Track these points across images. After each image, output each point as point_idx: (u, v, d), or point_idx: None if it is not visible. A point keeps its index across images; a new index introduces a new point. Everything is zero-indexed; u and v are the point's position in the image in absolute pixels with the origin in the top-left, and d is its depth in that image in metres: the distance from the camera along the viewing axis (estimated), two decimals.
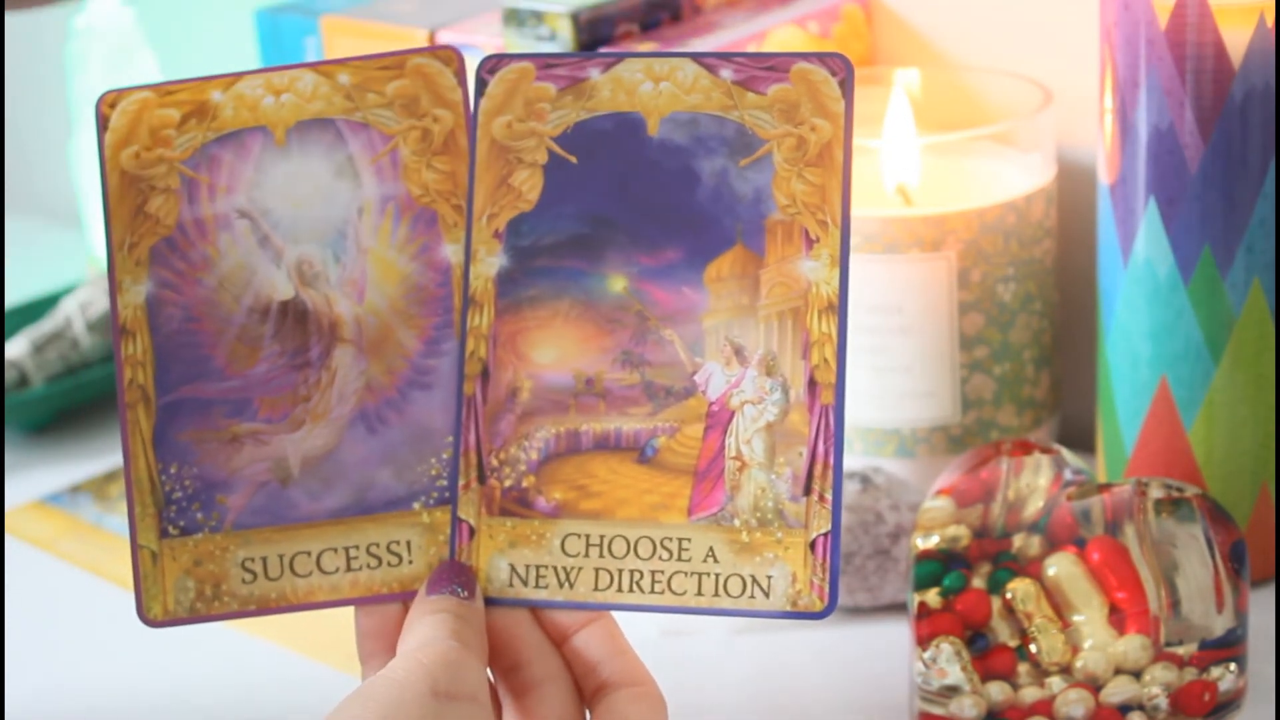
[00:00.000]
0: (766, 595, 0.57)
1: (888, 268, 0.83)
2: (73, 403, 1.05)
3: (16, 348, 1.05)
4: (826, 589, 0.57)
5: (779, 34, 0.90)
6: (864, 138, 0.88)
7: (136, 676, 0.81)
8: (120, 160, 0.61)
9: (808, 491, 0.57)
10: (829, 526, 0.57)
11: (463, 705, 0.53)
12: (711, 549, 0.57)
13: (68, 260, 1.29)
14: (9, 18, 1.43)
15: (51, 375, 1.05)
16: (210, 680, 0.80)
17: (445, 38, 0.93)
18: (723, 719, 0.75)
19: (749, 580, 0.57)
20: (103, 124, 0.61)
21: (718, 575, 0.57)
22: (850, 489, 0.79)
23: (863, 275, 0.83)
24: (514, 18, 0.88)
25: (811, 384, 0.57)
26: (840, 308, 0.57)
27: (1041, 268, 0.86)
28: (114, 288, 0.60)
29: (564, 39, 0.87)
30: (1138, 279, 0.77)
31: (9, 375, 1.04)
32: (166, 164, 0.61)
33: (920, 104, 0.90)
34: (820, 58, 0.58)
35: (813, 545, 0.57)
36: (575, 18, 0.87)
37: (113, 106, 0.61)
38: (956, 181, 0.86)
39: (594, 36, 0.88)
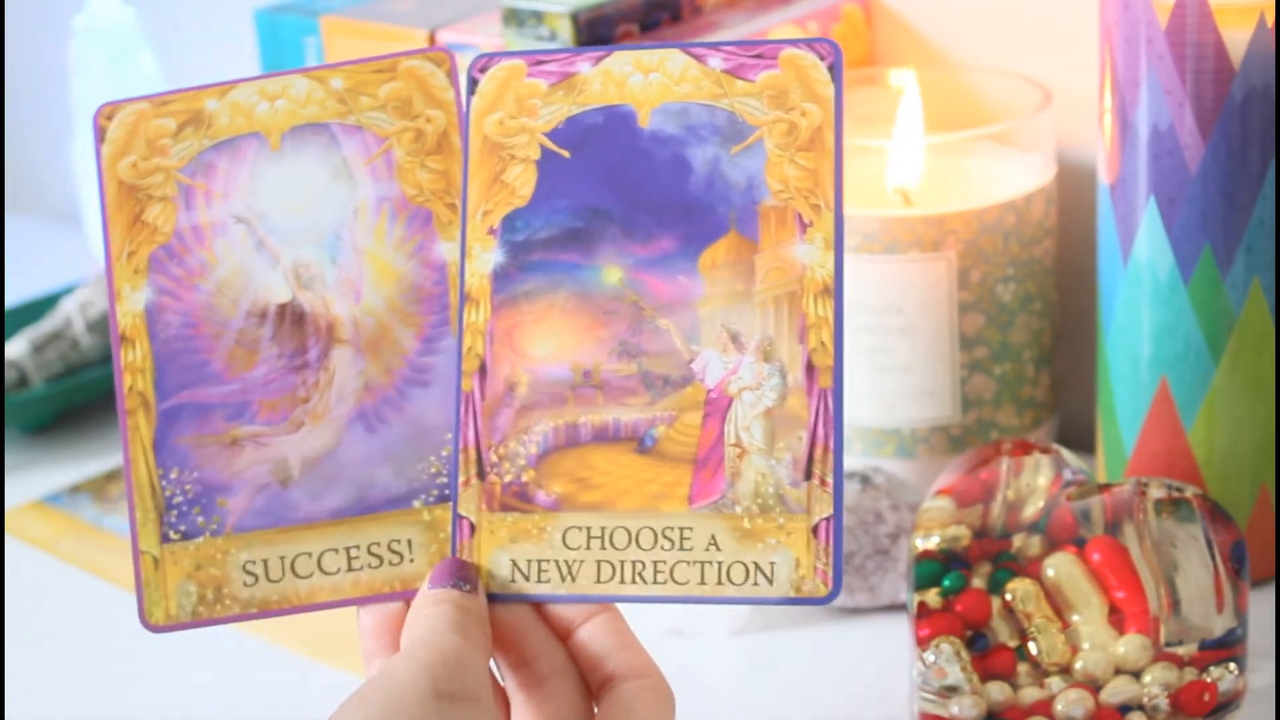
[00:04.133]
0: (770, 582, 0.57)
1: (888, 268, 0.83)
2: (73, 403, 1.05)
3: (16, 348, 1.05)
4: (830, 574, 0.56)
5: (779, 34, 0.90)
6: (865, 138, 0.88)
7: (136, 676, 0.81)
8: (118, 170, 0.61)
9: (809, 476, 0.57)
10: (831, 511, 0.56)
11: (465, 706, 0.53)
12: (713, 537, 0.57)
13: (68, 260, 1.29)
14: (9, 18, 1.43)
15: (51, 375, 1.05)
16: (210, 680, 0.80)
17: (445, 38, 0.93)
18: (723, 719, 0.75)
19: (752, 568, 0.57)
20: (100, 135, 0.61)
21: (720, 564, 0.57)
22: (850, 489, 0.79)
23: (863, 275, 0.83)
24: (514, 18, 0.88)
25: (809, 368, 0.57)
26: (836, 290, 0.57)
27: (1041, 268, 0.86)
28: (113, 296, 0.61)
29: (564, 39, 0.87)
30: (1138, 279, 0.77)
31: (9, 375, 1.04)
32: (164, 173, 0.61)
33: (920, 104, 0.90)
34: (809, 43, 0.59)
35: (815, 530, 0.57)
36: (575, 18, 0.87)
37: (110, 118, 0.61)
38: (956, 181, 0.86)
39: (594, 36, 0.88)
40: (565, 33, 0.87)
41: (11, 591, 0.88)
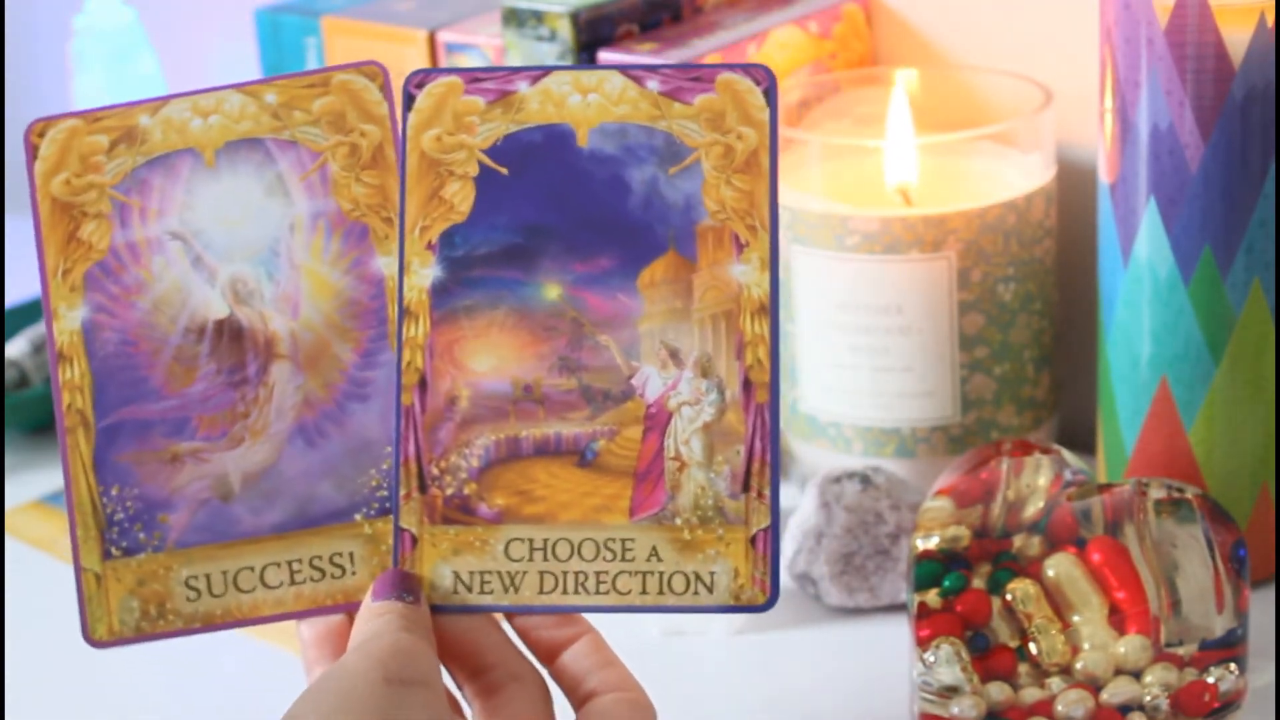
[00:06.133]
0: (710, 591, 0.58)
1: (888, 268, 0.83)
2: None
3: (16, 348, 1.05)
4: (768, 582, 0.58)
5: (779, 34, 0.90)
6: (865, 138, 0.88)
7: (135, 676, 0.81)
8: (51, 188, 0.62)
9: (746, 489, 0.59)
10: (768, 522, 0.58)
11: (417, 691, 0.54)
12: (654, 548, 0.59)
13: None
14: (9, 18, 1.43)
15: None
16: (206, 679, 0.80)
17: (445, 38, 0.93)
18: (722, 719, 0.75)
19: (692, 577, 0.59)
20: (32, 153, 0.62)
21: (661, 574, 0.59)
22: (850, 489, 0.79)
23: (863, 275, 0.83)
24: (514, 18, 0.88)
25: (746, 384, 0.59)
26: (771, 309, 0.59)
27: (1041, 268, 0.86)
28: (49, 314, 0.62)
29: (564, 39, 0.87)
30: (1138, 279, 0.77)
31: (9, 375, 1.04)
32: (97, 189, 0.61)
33: (920, 104, 0.90)
34: (744, 68, 0.60)
35: (753, 541, 0.58)
36: (575, 18, 0.87)
37: (41, 135, 0.62)
38: (956, 181, 0.86)
39: (594, 36, 0.88)
40: (565, 33, 0.87)
41: (11, 591, 0.88)
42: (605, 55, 0.87)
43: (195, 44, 1.26)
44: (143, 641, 0.61)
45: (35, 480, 0.99)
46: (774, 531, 0.58)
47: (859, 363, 0.84)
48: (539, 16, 0.87)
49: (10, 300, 1.18)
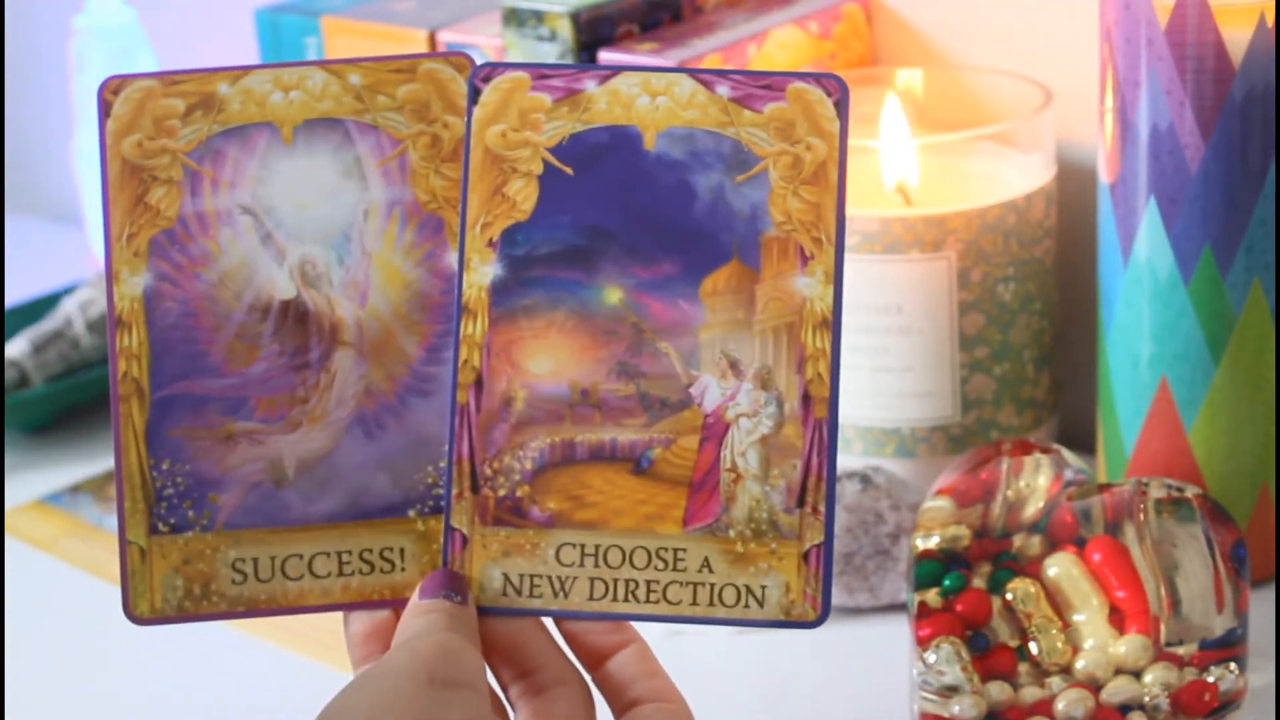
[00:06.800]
0: (761, 605, 0.58)
1: (888, 268, 0.83)
2: (73, 403, 1.05)
3: (16, 348, 1.05)
4: (820, 599, 0.58)
5: (779, 34, 0.90)
6: (864, 138, 0.88)
7: (136, 677, 0.81)
8: (122, 149, 0.60)
9: (801, 503, 0.58)
10: (822, 538, 0.58)
11: (462, 693, 0.53)
12: (707, 559, 0.58)
13: (68, 260, 1.29)
14: (9, 18, 1.43)
15: (51, 375, 1.05)
16: (208, 681, 0.80)
17: (445, 38, 0.93)
18: (723, 719, 0.75)
19: (744, 590, 0.58)
20: (105, 110, 0.60)
21: (713, 585, 0.58)
22: (850, 489, 0.79)
23: (863, 275, 0.83)
24: (514, 18, 0.88)
25: (806, 398, 0.58)
26: (834, 324, 0.58)
27: (1041, 268, 0.86)
28: (111, 278, 0.60)
29: (564, 39, 0.87)
30: (1138, 279, 0.77)
31: (9, 375, 1.04)
32: (170, 155, 0.60)
33: (920, 104, 0.90)
34: (816, 78, 0.59)
35: (806, 556, 0.58)
36: (575, 18, 0.87)
37: (116, 93, 0.60)
38: (956, 181, 0.86)
39: (594, 36, 0.88)
40: (565, 33, 0.87)
41: (11, 591, 0.88)
42: (605, 55, 0.87)
43: (195, 44, 1.26)
44: (184, 621, 0.59)
45: (35, 480, 0.99)
46: (827, 548, 0.58)
47: (859, 363, 0.84)
48: (539, 16, 0.87)
49: (10, 300, 1.18)
